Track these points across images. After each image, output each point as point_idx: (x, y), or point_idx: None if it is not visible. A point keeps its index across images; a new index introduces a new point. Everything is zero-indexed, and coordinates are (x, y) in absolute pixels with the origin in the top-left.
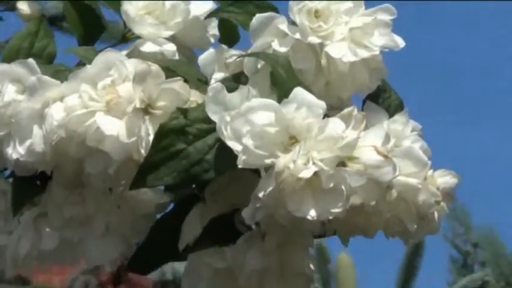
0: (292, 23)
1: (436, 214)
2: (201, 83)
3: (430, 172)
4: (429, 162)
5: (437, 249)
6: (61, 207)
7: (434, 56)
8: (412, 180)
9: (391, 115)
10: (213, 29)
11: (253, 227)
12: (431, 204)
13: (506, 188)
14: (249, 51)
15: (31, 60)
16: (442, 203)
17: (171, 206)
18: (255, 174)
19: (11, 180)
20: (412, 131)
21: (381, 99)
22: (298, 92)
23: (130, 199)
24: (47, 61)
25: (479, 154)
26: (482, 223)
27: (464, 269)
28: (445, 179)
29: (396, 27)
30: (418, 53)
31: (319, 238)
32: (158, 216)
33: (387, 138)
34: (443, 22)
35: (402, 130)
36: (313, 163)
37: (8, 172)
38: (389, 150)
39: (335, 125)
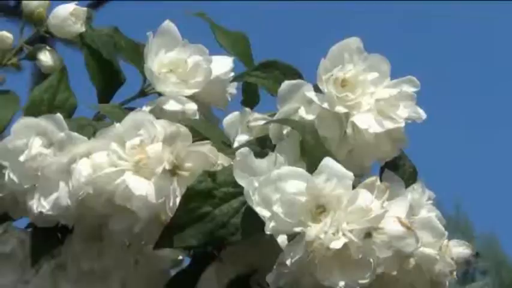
0: (316, 88)
1: (447, 282)
2: (224, 145)
3: (445, 242)
4: (445, 233)
5: None
6: (79, 260)
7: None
8: (431, 251)
9: (405, 183)
10: (231, 89)
11: None
12: (446, 274)
13: (509, 197)
14: (275, 117)
15: (59, 116)
16: (454, 272)
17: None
18: (270, 238)
19: (29, 230)
20: (427, 200)
21: (398, 168)
22: (328, 162)
23: (148, 254)
24: (68, 113)
25: (482, 162)
26: (484, 232)
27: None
28: (459, 249)
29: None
30: None
31: None
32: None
33: (410, 209)
34: None
35: (419, 199)
36: (343, 234)
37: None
38: (412, 221)
39: (364, 197)
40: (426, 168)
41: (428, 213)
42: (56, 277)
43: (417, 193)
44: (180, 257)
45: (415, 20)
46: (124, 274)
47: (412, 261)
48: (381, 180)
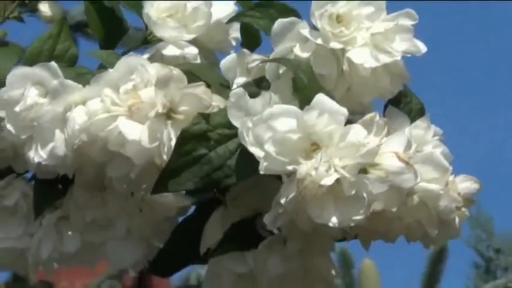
0: (314, 27)
1: (457, 219)
2: (223, 87)
3: (452, 178)
4: (450, 168)
5: (460, 255)
6: (83, 210)
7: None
8: (434, 186)
9: (412, 120)
10: (235, 32)
11: (275, 231)
12: (453, 209)
13: None
14: (271, 57)
15: (53, 64)
16: (463, 209)
17: (193, 209)
18: (277, 179)
19: (32, 182)
20: (433, 136)
21: (402, 104)
22: (320, 98)
23: (151, 202)
24: (69, 64)
25: (503, 158)
26: (505, 229)
27: (487, 274)
28: (466, 184)
29: None
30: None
31: (340, 242)
32: (180, 219)
33: (409, 144)
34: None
35: (424, 135)
36: (335, 170)
37: (29, 175)
38: (410, 156)
39: (357, 132)
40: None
41: (433, 149)
42: (60, 228)
43: (421, 129)
44: (185, 204)
45: None
46: (128, 222)
47: (415, 197)
48: (384, 117)
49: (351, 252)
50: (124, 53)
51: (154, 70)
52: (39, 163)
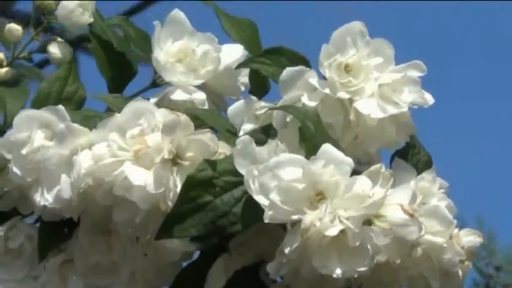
0: (322, 77)
1: (460, 272)
2: (230, 134)
3: (456, 231)
4: (455, 222)
5: None
6: (87, 254)
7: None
8: (438, 239)
9: (419, 171)
10: (244, 78)
11: (278, 279)
12: (456, 263)
13: None
14: (279, 104)
15: (61, 107)
16: (466, 262)
17: (197, 254)
18: (281, 227)
19: (37, 225)
20: (439, 188)
21: (409, 156)
22: (327, 148)
23: (156, 247)
24: (77, 106)
25: (506, 176)
26: (506, 247)
27: None
28: (469, 238)
29: None
30: None
31: None
32: (184, 264)
33: (414, 197)
34: None
35: (429, 187)
36: (340, 221)
37: (34, 216)
38: (415, 209)
39: (362, 183)
40: (449, 182)
41: (438, 201)
42: (64, 271)
43: (426, 181)
44: (190, 249)
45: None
46: (133, 267)
47: (419, 249)
48: (391, 169)
49: None
50: (132, 96)
51: (161, 116)
52: (44, 206)
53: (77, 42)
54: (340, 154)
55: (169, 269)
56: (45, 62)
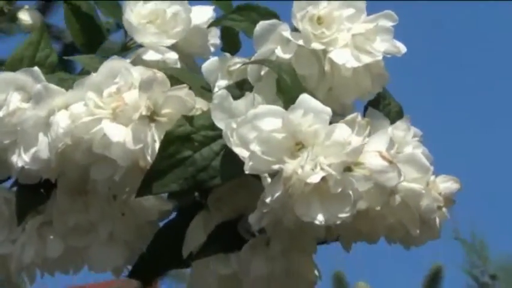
0: (295, 29)
1: (437, 220)
2: (205, 90)
3: (432, 178)
4: (431, 168)
5: (455, 280)
6: (65, 214)
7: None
8: (415, 186)
9: (391, 122)
10: (214, 38)
11: (257, 234)
12: (434, 209)
13: None
14: (253, 59)
15: (36, 69)
16: (443, 209)
17: (174, 213)
18: (258, 180)
19: (14, 189)
20: (413, 137)
21: (381, 106)
22: (305, 98)
23: (134, 206)
24: (49, 70)
25: (498, 184)
26: (500, 255)
27: None
28: (447, 184)
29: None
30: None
31: (322, 244)
32: (161, 223)
33: (391, 143)
34: None
35: (404, 136)
36: (321, 168)
37: (11, 181)
38: (393, 155)
39: (341, 130)
40: None
41: (414, 149)
42: (43, 233)
43: (401, 129)
44: (167, 208)
45: None
46: (111, 227)
47: (397, 197)
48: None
49: (344, 275)
50: (105, 58)
51: (137, 73)
52: (22, 167)
53: (74, 45)
54: (318, 103)
55: (147, 229)
56: None
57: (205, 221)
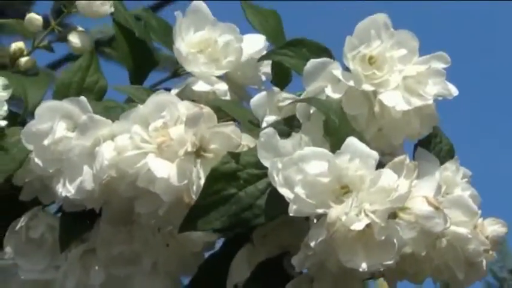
0: (346, 68)
1: (484, 262)
2: (252, 125)
3: (480, 220)
4: (479, 212)
5: None
6: (109, 244)
7: None
8: (463, 230)
9: (442, 160)
10: (266, 68)
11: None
12: (481, 252)
13: None
14: (302, 96)
15: (83, 98)
16: (490, 251)
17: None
18: (304, 219)
19: (58, 215)
20: (462, 178)
21: (432, 145)
22: (352, 142)
23: (179, 237)
24: (98, 96)
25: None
26: None
27: None
28: (494, 227)
29: None
30: None
31: (367, 280)
32: (206, 255)
33: (439, 189)
34: None
35: (453, 177)
36: (366, 215)
37: (55, 206)
38: (440, 201)
39: (387, 177)
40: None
41: (462, 191)
42: (86, 262)
43: (450, 171)
44: (212, 239)
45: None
46: (155, 257)
47: (444, 240)
48: (414, 159)
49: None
50: (153, 86)
51: (184, 108)
52: (66, 197)
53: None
54: (365, 147)
55: (191, 260)
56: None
57: (250, 255)
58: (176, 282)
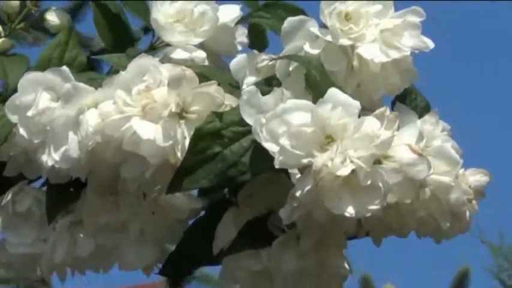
0: (323, 25)
1: (467, 212)
2: (233, 87)
3: (462, 171)
4: (461, 161)
5: (483, 284)
6: (96, 214)
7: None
8: (445, 179)
9: (419, 116)
10: (241, 37)
11: (287, 230)
12: (464, 201)
13: None
14: (281, 55)
15: (65, 68)
16: (473, 201)
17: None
18: (288, 176)
19: (44, 188)
20: (441, 131)
21: (407, 101)
22: (333, 92)
23: (164, 205)
24: (78, 70)
25: None
26: None
27: None
28: (476, 177)
29: None
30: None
31: (352, 239)
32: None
33: (421, 136)
34: None
35: (432, 130)
36: (351, 161)
37: (42, 181)
38: (423, 148)
39: (370, 123)
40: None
41: (443, 143)
42: (74, 232)
43: (430, 123)
44: (197, 206)
45: None
46: (141, 225)
47: (427, 190)
48: None
49: (372, 277)
50: (133, 57)
51: (166, 70)
52: (52, 166)
53: (101, 53)
54: (346, 97)
55: (177, 227)
56: None
57: (236, 218)
58: (163, 250)
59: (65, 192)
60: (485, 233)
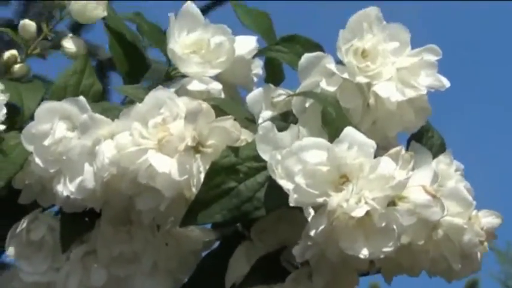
0: (339, 62)
1: (478, 254)
2: (249, 121)
3: (475, 212)
4: (474, 203)
5: None
6: (110, 244)
7: None
8: (458, 221)
9: (434, 155)
10: (257, 69)
11: (299, 266)
12: (476, 243)
13: None
14: (297, 91)
15: (82, 98)
16: (485, 243)
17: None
18: (301, 213)
19: (58, 217)
20: (455, 171)
21: (424, 139)
22: (350, 131)
23: (177, 236)
24: (93, 99)
25: None
26: None
27: None
28: (489, 219)
29: None
30: None
31: (363, 276)
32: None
33: (435, 178)
34: None
35: (447, 170)
36: (366, 202)
37: (55, 208)
38: (437, 190)
39: (386, 164)
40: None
41: (456, 183)
42: (87, 262)
43: (444, 164)
44: (211, 238)
45: None
46: (154, 256)
47: (440, 231)
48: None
49: (380, 286)
50: (149, 88)
51: (183, 103)
52: (67, 197)
53: (109, 62)
54: (362, 136)
55: (190, 258)
56: None
57: (248, 252)
58: (176, 281)
59: (79, 222)
60: (493, 240)
